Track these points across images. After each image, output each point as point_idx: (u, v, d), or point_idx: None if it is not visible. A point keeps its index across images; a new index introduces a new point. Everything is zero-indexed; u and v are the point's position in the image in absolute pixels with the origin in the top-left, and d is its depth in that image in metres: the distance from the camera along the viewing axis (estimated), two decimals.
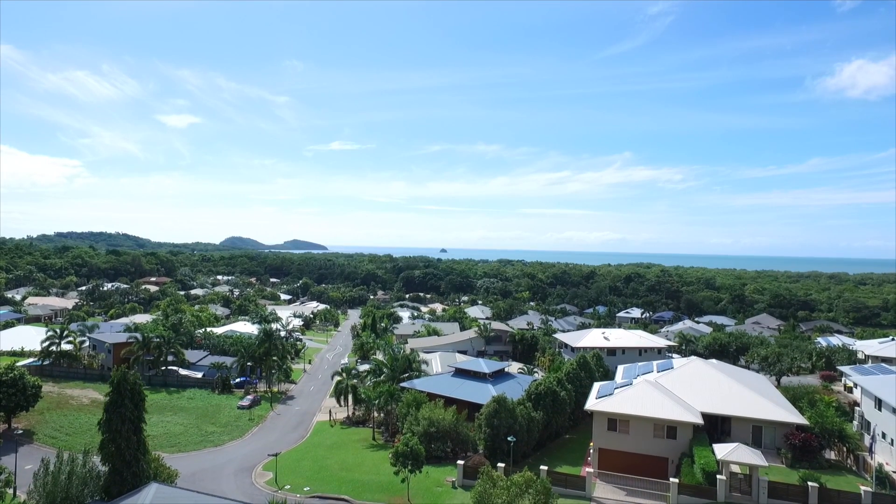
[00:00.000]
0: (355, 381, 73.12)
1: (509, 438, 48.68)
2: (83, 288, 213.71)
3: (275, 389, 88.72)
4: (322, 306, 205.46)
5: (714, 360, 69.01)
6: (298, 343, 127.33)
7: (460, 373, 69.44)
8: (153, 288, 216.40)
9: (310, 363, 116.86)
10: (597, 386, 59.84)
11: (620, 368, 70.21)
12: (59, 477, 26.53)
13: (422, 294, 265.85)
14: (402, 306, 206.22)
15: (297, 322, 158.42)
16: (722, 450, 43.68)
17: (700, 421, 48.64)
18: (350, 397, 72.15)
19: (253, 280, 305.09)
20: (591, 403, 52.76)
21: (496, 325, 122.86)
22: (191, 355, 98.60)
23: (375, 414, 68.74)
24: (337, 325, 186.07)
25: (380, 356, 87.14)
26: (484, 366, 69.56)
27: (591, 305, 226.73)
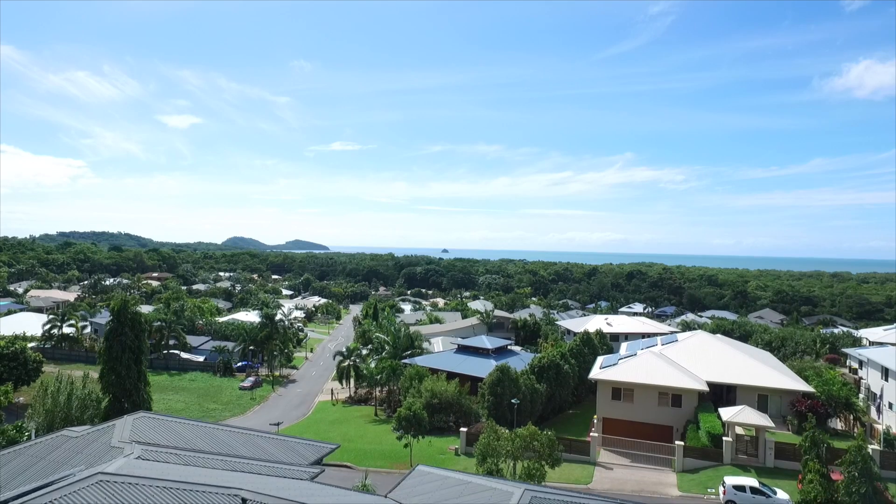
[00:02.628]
0: (357, 360, 72.80)
1: (513, 401, 48.31)
2: (85, 282, 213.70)
3: (276, 373, 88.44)
4: (324, 300, 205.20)
5: (719, 335, 68.54)
6: (301, 333, 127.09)
7: (463, 349, 69.11)
8: (155, 283, 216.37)
9: (311, 351, 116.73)
10: (600, 359, 59.44)
11: (624, 344, 69.78)
12: (58, 397, 26.28)
13: (423, 290, 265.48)
14: (403, 301, 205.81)
15: (300, 314, 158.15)
16: (728, 412, 43.27)
17: (705, 388, 48.24)
18: (352, 378, 71.86)
19: (255, 276, 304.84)
20: (595, 373, 52.39)
21: (498, 312, 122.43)
22: (192, 340, 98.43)
23: (378, 392, 68.42)
24: (339, 318, 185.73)
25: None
26: (487, 342, 69.21)
27: (594, 301, 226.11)
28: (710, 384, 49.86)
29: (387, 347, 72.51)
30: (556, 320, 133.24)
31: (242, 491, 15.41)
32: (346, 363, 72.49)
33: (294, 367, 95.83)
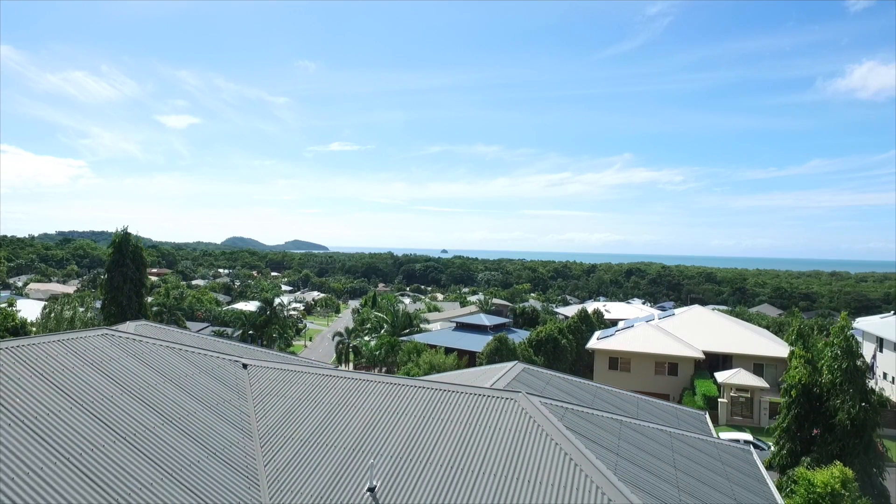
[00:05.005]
0: (357, 339, 73.13)
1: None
2: (84, 277, 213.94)
3: None
4: (323, 295, 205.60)
5: (716, 311, 68.95)
6: (300, 324, 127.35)
7: (461, 327, 69.52)
8: (154, 278, 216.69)
9: (310, 340, 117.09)
10: (597, 333, 59.82)
11: (622, 322, 70.14)
12: (62, 316, 26.56)
13: (423, 286, 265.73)
14: (403, 296, 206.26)
15: (299, 306, 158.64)
16: (723, 375, 43.69)
17: (701, 356, 48.63)
18: (351, 360, 72.14)
19: (254, 273, 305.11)
20: (593, 343, 52.79)
21: (497, 300, 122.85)
22: (192, 326, 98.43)
23: (376, 371, 68.70)
24: (337, 311, 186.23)
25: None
26: (485, 320, 69.63)
27: (592, 297, 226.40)
28: (706, 353, 50.22)
29: (385, 326, 72.91)
30: (555, 311, 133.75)
31: (243, 359, 15.91)
32: (344, 343, 72.81)
33: (293, 353, 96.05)
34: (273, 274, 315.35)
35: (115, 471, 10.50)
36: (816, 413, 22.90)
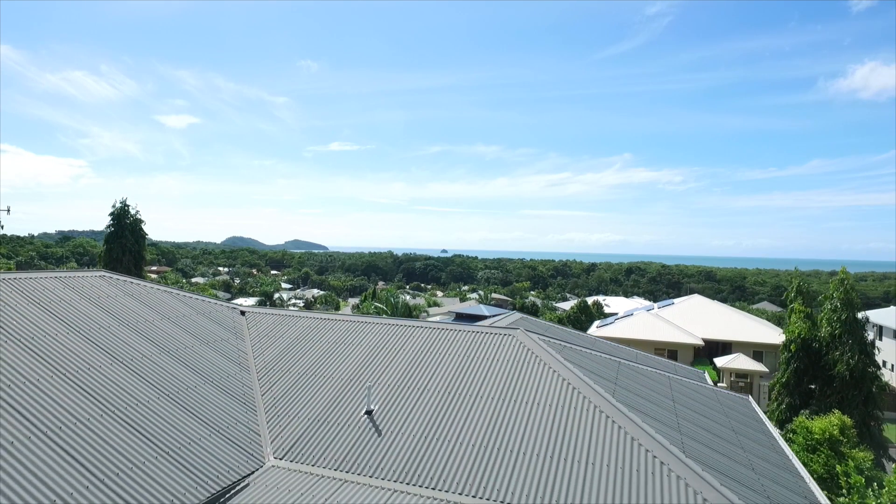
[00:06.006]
0: None
1: None
2: None
3: None
4: (323, 293, 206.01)
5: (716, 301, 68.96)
6: None
7: (461, 317, 69.31)
8: (154, 276, 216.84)
9: None
10: (597, 322, 59.79)
11: (621, 312, 70.11)
12: None
13: (422, 284, 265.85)
14: (402, 293, 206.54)
15: (299, 302, 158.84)
16: (722, 360, 43.64)
17: (701, 342, 48.52)
18: None
19: (254, 271, 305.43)
20: (592, 330, 52.68)
21: (496, 295, 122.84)
22: None
23: None
24: (337, 307, 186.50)
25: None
26: (484, 310, 69.09)
27: (592, 295, 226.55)
28: (705, 341, 50.10)
29: (385, 316, 72.95)
30: (555, 307, 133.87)
31: (241, 305, 15.87)
32: None
33: None
34: (273, 272, 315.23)
35: (111, 388, 10.47)
36: (815, 367, 22.84)
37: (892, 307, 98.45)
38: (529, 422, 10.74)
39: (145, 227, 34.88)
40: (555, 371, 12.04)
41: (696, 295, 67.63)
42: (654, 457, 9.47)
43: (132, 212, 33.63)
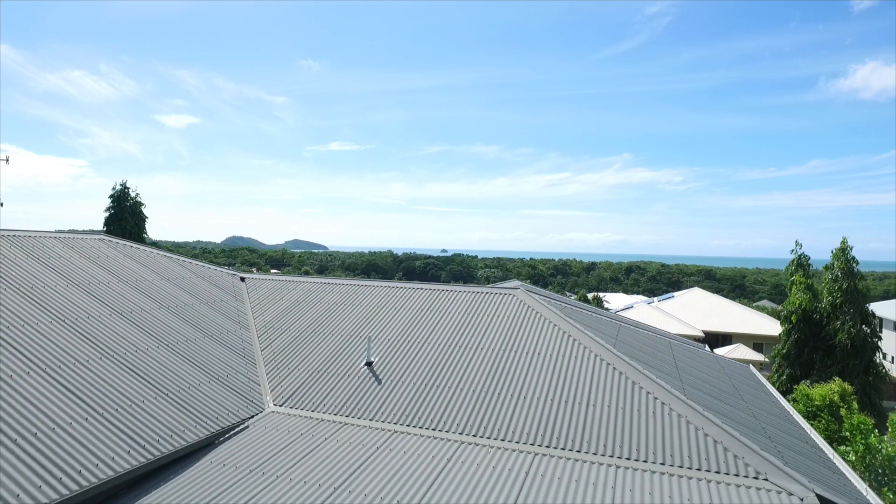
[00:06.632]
0: None
1: None
2: None
3: None
4: None
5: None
6: None
7: None
8: None
9: None
10: None
11: (621, 306, 70.08)
12: None
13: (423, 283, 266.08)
14: None
15: None
16: (723, 350, 43.54)
17: (700, 334, 48.51)
18: None
19: (254, 270, 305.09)
20: None
21: None
22: None
23: None
24: None
25: None
26: None
27: (592, 292, 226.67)
28: (705, 333, 50.10)
29: None
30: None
31: (241, 273, 15.85)
32: None
33: None
34: (273, 271, 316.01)
35: (110, 335, 10.44)
36: (816, 338, 22.79)
37: (892, 300, 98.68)
38: (529, 370, 10.73)
39: (145, 210, 34.93)
40: (555, 325, 12.03)
41: (696, 288, 67.61)
42: (655, 398, 9.44)
43: (132, 194, 33.62)
